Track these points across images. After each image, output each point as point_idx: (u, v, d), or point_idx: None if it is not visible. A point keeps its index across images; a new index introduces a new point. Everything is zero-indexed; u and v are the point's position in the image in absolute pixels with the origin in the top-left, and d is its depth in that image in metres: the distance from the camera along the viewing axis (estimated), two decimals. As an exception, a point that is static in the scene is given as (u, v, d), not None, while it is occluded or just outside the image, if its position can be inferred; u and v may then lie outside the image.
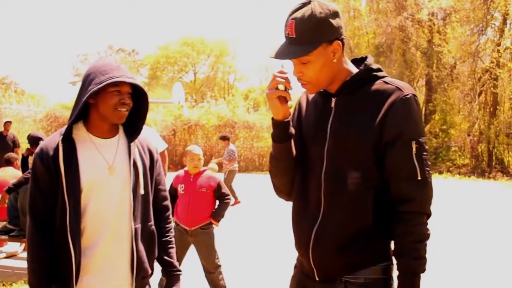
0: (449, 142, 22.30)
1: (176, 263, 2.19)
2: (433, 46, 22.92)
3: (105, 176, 1.93)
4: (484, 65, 21.52)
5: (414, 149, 1.59)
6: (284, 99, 1.66)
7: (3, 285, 4.79)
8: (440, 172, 19.78)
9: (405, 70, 24.03)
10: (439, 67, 23.32)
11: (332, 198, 1.65)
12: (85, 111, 1.94)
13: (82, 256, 1.88)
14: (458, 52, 22.13)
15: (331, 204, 1.65)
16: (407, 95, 1.62)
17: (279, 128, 1.71)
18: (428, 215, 1.62)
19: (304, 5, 1.60)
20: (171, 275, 2.19)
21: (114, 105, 1.88)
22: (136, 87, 1.94)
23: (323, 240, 1.66)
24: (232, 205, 10.48)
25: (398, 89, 1.63)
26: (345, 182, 1.63)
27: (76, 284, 1.87)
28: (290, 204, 1.86)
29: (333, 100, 1.70)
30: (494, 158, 20.50)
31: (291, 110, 1.75)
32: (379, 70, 1.70)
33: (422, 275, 1.61)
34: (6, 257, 5.82)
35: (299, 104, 1.85)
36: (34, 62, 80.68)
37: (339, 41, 1.63)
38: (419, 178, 1.59)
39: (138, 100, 1.99)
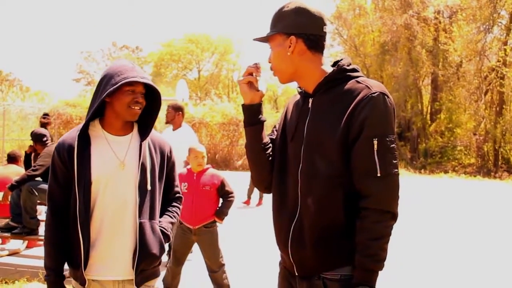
0: (454, 141, 22.21)
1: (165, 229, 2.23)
2: (439, 45, 22.82)
3: (115, 171, 2.06)
4: (490, 63, 21.41)
5: (375, 146, 1.62)
6: (252, 85, 1.85)
7: (6, 282, 4.76)
8: (446, 172, 19.69)
9: (411, 68, 23.94)
10: (445, 65, 23.22)
11: (306, 196, 1.72)
12: (101, 109, 2.10)
13: (91, 245, 2.03)
14: (464, 50, 22.01)
15: (306, 201, 1.72)
16: (374, 93, 1.66)
17: (247, 112, 1.86)
18: (391, 213, 1.64)
19: None
20: None
21: (128, 103, 2.03)
22: (150, 87, 2.08)
23: (301, 235, 1.73)
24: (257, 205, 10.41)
25: (367, 87, 1.68)
26: (316, 180, 1.70)
27: (84, 270, 2.02)
28: None
29: (310, 100, 1.80)
30: (500, 157, 20.39)
31: (280, 111, 1.82)
32: (354, 70, 1.77)
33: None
34: (8, 255, 5.78)
35: (287, 108, 1.96)
36: (37, 59, 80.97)
37: (295, 37, 1.75)
38: (379, 174, 1.62)
39: (153, 100, 2.14)
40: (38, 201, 5.11)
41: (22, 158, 6.71)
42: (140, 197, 2.07)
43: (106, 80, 2.02)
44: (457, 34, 22.60)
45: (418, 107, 24.89)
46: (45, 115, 7.87)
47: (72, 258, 2.06)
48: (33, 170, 5.03)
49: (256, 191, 10.45)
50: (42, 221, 5.48)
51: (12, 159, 6.32)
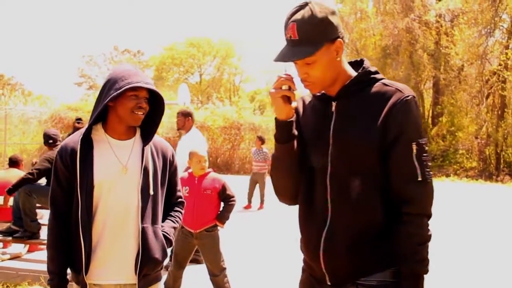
0: (456, 145, 22.17)
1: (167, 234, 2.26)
2: (441, 48, 22.81)
3: (118, 175, 2.06)
4: (492, 67, 21.41)
5: (414, 150, 1.60)
6: (287, 99, 1.67)
7: (7, 286, 4.76)
8: (448, 175, 19.65)
9: (412, 72, 23.93)
10: (447, 69, 23.21)
11: (339, 201, 1.65)
12: (104, 113, 2.09)
13: (92, 249, 2.03)
14: (465, 54, 22.03)
15: (339, 207, 1.65)
16: (407, 96, 1.63)
17: (282, 128, 1.70)
18: (429, 216, 1.63)
19: (301, 7, 1.60)
20: None
21: (131, 108, 2.02)
22: (153, 92, 2.08)
23: (333, 243, 1.65)
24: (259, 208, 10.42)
25: (399, 90, 1.64)
26: (351, 184, 1.63)
27: (86, 274, 2.02)
28: (296, 207, 1.83)
29: (333, 104, 1.70)
30: (502, 161, 20.36)
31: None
32: (376, 72, 1.71)
33: (426, 277, 1.61)
34: (10, 259, 5.79)
35: (296, 110, 1.81)
36: (39, 63, 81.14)
37: (341, 39, 1.63)
38: (420, 179, 1.60)
39: (156, 105, 2.13)
40: (38, 205, 5.11)
41: (24, 162, 6.74)
42: (142, 201, 2.07)
43: (109, 84, 2.01)
44: (459, 37, 22.60)
45: (419, 111, 24.85)
46: (79, 119, 7.71)
47: (74, 262, 2.06)
48: (30, 174, 5.05)
49: (256, 195, 10.43)
50: (44, 225, 5.50)
51: (13, 163, 6.34)
